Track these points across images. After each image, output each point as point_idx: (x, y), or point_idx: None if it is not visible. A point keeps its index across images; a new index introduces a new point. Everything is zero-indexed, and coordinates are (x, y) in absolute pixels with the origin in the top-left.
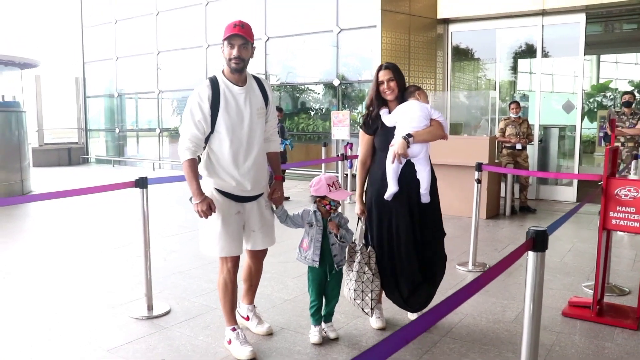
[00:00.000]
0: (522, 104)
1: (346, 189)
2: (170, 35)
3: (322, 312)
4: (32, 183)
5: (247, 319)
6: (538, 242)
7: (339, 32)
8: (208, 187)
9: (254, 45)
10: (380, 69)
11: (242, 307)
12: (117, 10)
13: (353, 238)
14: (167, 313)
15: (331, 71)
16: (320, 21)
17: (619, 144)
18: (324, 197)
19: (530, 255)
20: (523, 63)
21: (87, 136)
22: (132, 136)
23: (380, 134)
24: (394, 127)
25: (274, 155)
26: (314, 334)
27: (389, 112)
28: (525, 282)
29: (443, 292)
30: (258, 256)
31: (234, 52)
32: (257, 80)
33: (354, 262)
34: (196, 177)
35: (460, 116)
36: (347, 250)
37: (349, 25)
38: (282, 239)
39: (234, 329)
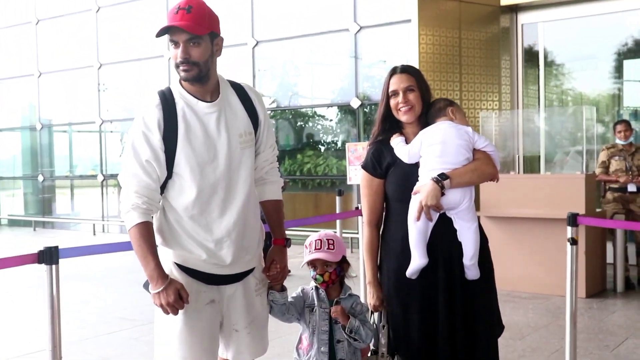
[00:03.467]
0: (633, 125)
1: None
2: (118, 41)
3: None
4: None
5: None
6: None
7: (358, 31)
8: (164, 262)
9: (218, 36)
10: (393, 73)
11: None
12: (39, 6)
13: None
14: None
15: (348, 88)
16: (331, 17)
17: None
18: (313, 266)
19: None
20: (632, 66)
21: None
22: (63, 186)
23: (395, 177)
24: (417, 165)
25: (272, 207)
26: None
27: (406, 142)
28: None
29: None
30: None
31: (179, 53)
32: (238, 89)
33: None
34: (153, 250)
35: (539, 146)
36: None
37: (373, 22)
38: (276, 335)
39: None
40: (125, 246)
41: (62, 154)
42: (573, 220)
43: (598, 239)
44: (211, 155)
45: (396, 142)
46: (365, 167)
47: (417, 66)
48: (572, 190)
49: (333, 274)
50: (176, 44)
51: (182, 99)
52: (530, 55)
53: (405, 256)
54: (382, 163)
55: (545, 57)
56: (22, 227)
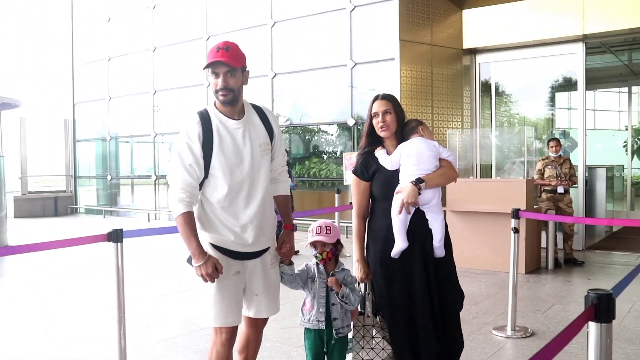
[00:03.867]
0: (562, 141)
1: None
2: (168, 73)
3: None
4: (9, 236)
5: None
6: (601, 309)
7: (354, 66)
8: (202, 242)
9: (246, 70)
10: (375, 99)
11: None
12: (110, 46)
13: (360, 306)
14: None
15: (345, 110)
16: (332, 55)
17: None
18: (314, 246)
19: (592, 327)
20: (561, 97)
21: (75, 184)
22: (125, 184)
23: (380, 180)
24: (396, 171)
25: (283, 200)
26: None
27: (387, 153)
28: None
29: None
30: (259, 325)
31: (219, 82)
32: (258, 110)
33: (365, 337)
34: (195, 233)
35: (491, 157)
36: (352, 322)
37: (365, 59)
38: (286, 300)
39: None
40: (172, 230)
41: (125, 159)
42: (516, 214)
43: (535, 228)
44: (238, 161)
45: (380, 154)
46: (355, 172)
47: (398, 94)
48: (515, 191)
49: (329, 253)
50: (217, 74)
51: (217, 117)
52: (485, 87)
53: (387, 241)
54: (369, 170)
55: (497, 88)
56: (95, 214)
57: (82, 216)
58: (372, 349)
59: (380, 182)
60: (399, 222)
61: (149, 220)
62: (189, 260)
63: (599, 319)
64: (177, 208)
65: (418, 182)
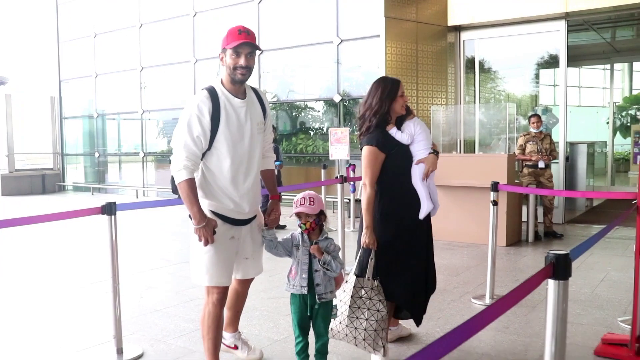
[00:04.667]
0: (544, 118)
1: (349, 216)
2: (154, 49)
3: (313, 351)
4: None
5: (235, 347)
6: (559, 268)
7: (340, 43)
8: (202, 208)
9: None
10: (399, 82)
11: (227, 337)
12: (96, 23)
13: (353, 270)
14: (140, 357)
15: (332, 86)
16: (319, 32)
17: None
18: (299, 217)
19: (551, 284)
20: (545, 74)
21: (63, 161)
22: (113, 161)
23: (399, 155)
24: (408, 147)
25: (269, 174)
26: None
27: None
28: (545, 317)
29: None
30: (247, 284)
31: (241, 60)
32: (255, 90)
33: (362, 298)
34: (197, 198)
35: (475, 133)
36: (352, 285)
37: (351, 36)
38: (274, 272)
39: None
40: (163, 203)
41: (112, 136)
42: (494, 187)
43: (516, 202)
44: (240, 137)
45: (394, 131)
46: (377, 145)
47: (384, 71)
48: (497, 166)
49: (313, 223)
50: (238, 54)
51: (224, 95)
52: (470, 64)
53: (410, 208)
54: (387, 144)
55: (481, 65)
56: (83, 191)
57: (70, 193)
58: (368, 309)
59: (400, 157)
60: (423, 188)
61: (137, 197)
62: (190, 217)
63: (557, 276)
64: (181, 174)
65: (436, 153)
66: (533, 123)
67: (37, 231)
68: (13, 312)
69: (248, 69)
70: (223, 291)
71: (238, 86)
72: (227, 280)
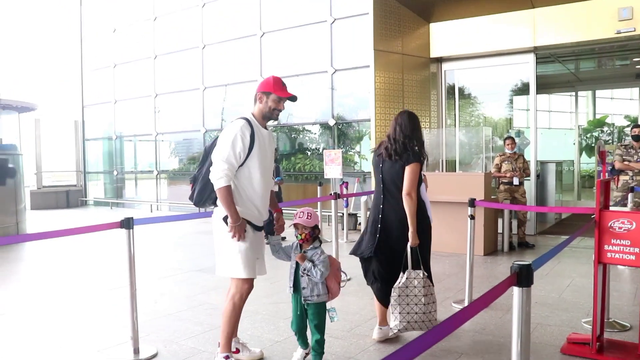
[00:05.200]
0: (517, 140)
1: (342, 228)
2: (167, 78)
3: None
4: (27, 225)
5: (237, 351)
6: (522, 276)
7: (334, 72)
8: None
9: None
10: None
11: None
12: (116, 54)
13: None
14: (154, 356)
15: (327, 111)
16: (315, 62)
17: (627, 177)
18: (296, 228)
19: (515, 291)
20: (518, 100)
21: (85, 178)
22: (130, 178)
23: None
24: None
25: (272, 193)
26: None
27: None
28: (512, 319)
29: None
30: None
31: (281, 106)
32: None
33: (416, 287)
34: (233, 201)
35: (455, 153)
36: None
37: (344, 66)
38: (275, 279)
39: (227, 357)
40: (175, 218)
41: (129, 156)
42: (472, 203)
43: (492, 216)
44: (265, 158)
45: None
46: (422, 161)
47: (373, 98)
48: (475, 183)
49: (307, 235)
50: (281, 101)
51: (256, 125)
52: (450, 91)
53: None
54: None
55: (461, 92)
56: (103, 206)
57: (91, 207)
58: (424, 295)
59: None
60: (427, 199)
61: (151, 211)
62: (224, 219)
63: (520, 284)
64: (221, 181)
65: None
66: (508, 145)
67: (63, 243)
68: (40, 315)
69: (279, 113)
70: (252, 284)
71: (265, 121)
72: (255, 273)
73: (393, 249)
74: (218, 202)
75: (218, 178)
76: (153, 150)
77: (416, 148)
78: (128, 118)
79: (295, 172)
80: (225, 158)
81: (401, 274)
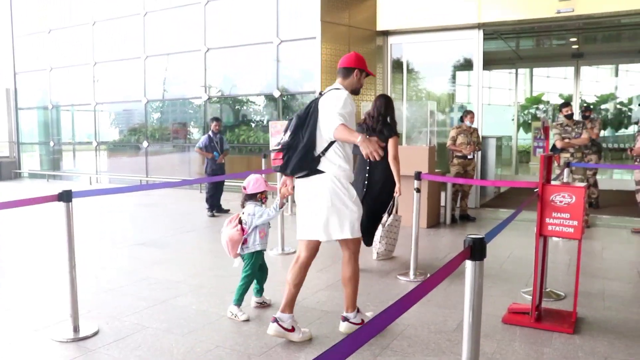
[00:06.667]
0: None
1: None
2: (107, 45)
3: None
4: None
5: (292, 329)
6: (476, 250)
7: (280, 43)
8: (332, 166)
9: None
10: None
11: (285, 319)
12: (51, 20)
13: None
14: (95, 334)
15: (272, 83)
16: (261, 33)
17: (567, 155)
18: (263, 192)
19: (469, 264)
20: (461, 75)
21: (19, 150)
22: (67, 149)
23: None
24: None
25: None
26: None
27: None
28: (464, 292)
29: (384, 303)
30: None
31: (363, 82)
32: None
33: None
34: (352, 130)
35: (401, 127)
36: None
37: (290, 37)
38: (217, 252)
39: (359, 310)
40: (115, 190)
41: (67, 126)
42: (418, 176)
43: (436, 189)
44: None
45: None
46: (397, 135)
47: (319, 70)
48: (420, 157)
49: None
50: (362, 77)
51: (350, 97)
52: (397, 65)
53: None
54: None
55: (407, 66)
56: (39, 178)
57: (26, 180)
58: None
59: None
60: None
61: (90, 183)
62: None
63: (474, 257)
64: (338, 122)
65: None
66: (470, 118)
67: None
68: None
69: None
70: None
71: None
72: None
73: (375, 200)
74: (323, 167)
75: (336, 122)
76: (92, 121)
77: (392, 125)
78: (65, 87)
79: (239, 144)
80: (340, 113)
81: (386, 215)
